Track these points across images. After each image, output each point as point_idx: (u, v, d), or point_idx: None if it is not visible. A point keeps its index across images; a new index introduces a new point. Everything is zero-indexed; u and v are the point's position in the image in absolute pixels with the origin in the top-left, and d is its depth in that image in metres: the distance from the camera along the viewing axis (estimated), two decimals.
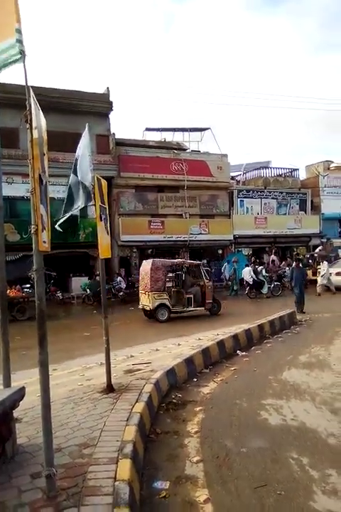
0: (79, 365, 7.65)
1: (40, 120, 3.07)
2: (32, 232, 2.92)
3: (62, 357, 8.18)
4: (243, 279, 19.06)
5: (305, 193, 28.73)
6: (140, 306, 14.03)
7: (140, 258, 22.87)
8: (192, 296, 13.67)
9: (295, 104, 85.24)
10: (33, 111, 2.90)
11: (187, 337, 9.75)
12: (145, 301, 13.41)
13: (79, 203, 5.13)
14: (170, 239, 23.01)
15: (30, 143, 2.91)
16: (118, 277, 19.75)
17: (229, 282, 21.14)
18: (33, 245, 2.98)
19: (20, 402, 4.03)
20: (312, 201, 28.94)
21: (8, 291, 13.79)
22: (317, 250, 25.24)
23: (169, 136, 27.76)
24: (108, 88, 22.25)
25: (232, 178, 28.40)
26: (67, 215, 5.26)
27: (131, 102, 70.74)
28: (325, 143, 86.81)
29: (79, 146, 5.24)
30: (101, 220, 5.54)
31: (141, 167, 22.52)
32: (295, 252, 26.47)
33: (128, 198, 22.68)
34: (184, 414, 5.40)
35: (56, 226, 5.18)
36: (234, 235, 25.11)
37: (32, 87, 2.92)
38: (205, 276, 14.14)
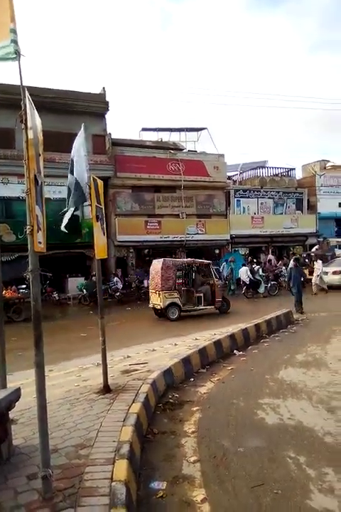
0: (75, 365, 7.64)
1: (35, 120, 3.06)
2: (27, 232, 2.91)
3: (59, 358, 8.17)
4: (240, 278, 19.10)
5: (302, 193, 28.80)
6: (150, 305, 14.18)
7: (136, 258, 22.90)
8: (202, 294, 13.84)
9: (291, 103, 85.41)
10: (28, 111, 2.89)
11: (184, 337, 9.75)
12: (156, 300, 13.56)
13: (73, 203, 5.06)
14: (167, 239, 22.99)
15: (26, 143, 2.90)
16: (115, 278, 19.72)
17: (227, 282, 21.16)
18: (29, 246, 2.97)
19: (17, 403, 4.03)
20: (308, 201, 29.02)
21: (4, 292, 13.77)
22: (313, 249, 25.32)
23: (165, 136, 27.79)
24: (104, 88, 22.22)
25: (229, 177, 28.42)
26: (69, 214, 5.19)
27: (127, 102, 70.75)
28: (321, 142, 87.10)
29: (74, 145, 5.22)
30: (97, 221, 5.53)
31: (137, 167, 22.49)
32: (291, 252, 26.54)
33: (124, 198, 22.64)
34: (181, 414, 5.40)
35: (62, 227, 5.18)
36: (230, 235, 25.12)
37: (27, 87, 2.91)
38: (215, 275, 14.38)
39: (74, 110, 20.17)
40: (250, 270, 18.54)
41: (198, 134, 27.85)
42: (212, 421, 5.10)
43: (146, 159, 23.05)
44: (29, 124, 2.90)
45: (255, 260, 22.12)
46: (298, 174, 31.40)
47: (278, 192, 27.89)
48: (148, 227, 22.59)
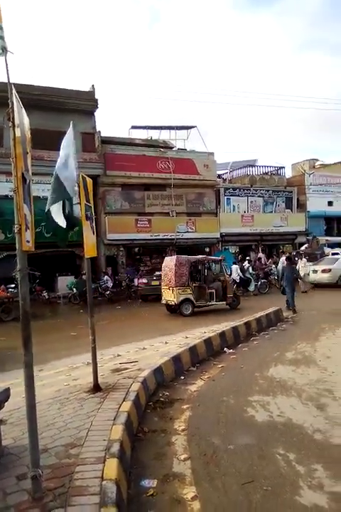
0: (65, 365, 7.59)
1: (22, 118, 3.03)
2: (15, 231, 2.88)
3: (49, 357, 8.11)
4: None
5: (291, 191, 28.99)
6: (163, 301, 14.36)
7: (127, 257, 22.85)
8: (214, 290, 14.03)
9: (281, 102, 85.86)
10: (15, 109, 2.85)
11: (174, 335, 9.75)
12: (169, 296, 13.77)
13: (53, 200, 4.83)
14: (157, 237, 22.99)
15: (13, 141, 2.87)
16: (105, 276, 19.67)
17: None
18: (17, 245, 2.94)
19: (6, 403, 3.99)
20: (298, 199, 29.22)
21: None
22: (303, 248, 25.49)
23: (155, 134, 27.72)
24: (93, 86, 22.09)
25: (219, 176, 28.50)
26: (57, 209, 5.06)
27: (116, 99, 70.48)
28: (311, 141, 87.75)
29: (62, 144, 5.16)
30: (86, 219, 5.50)
31: (127, 165, 22.44)
32: (281, 250, 26.70)
33: (114, 196, 22.58)
34: (171, 412, 5.41)
35: (60, 223, 5.10)
36: (220, 233, 25.22)
37: (14, 84, 2.88)
38: (226, 271, 14.69)
39: (63, 108, 20.04)
40: (240, 268, 18.62)
41: (188, 132, 27.84)
42: (202, 419, 5.11)
43: (136, 157, 23.02)
44: (16, 122, 2.87)
45: (244, 258, 22.21)
46: (288, 173, 31.65)
47: (268, 190, 28.04)
48: (138, 225, 22.57)
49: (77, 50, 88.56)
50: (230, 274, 14.94)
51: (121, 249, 22.46)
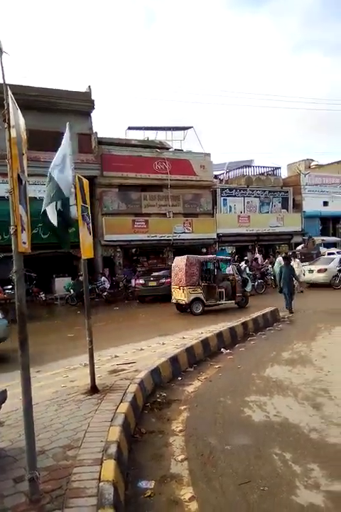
0: (62, 366, 7.58)
1: (18, 119, 3.02)
2: (11, 232, 2.88)
3: (46, 358, 8.09)
4: None
5: (287, 192, 29.06)
6: (173, 301, 14.40)
7: (124, 258, 22.82)
8: (223, 290, 14.14)
9: (277, 103, 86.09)
10: (10, 110, 2.85)
11: (172, 336, 9.75)
12: (180, 295, 13.84)
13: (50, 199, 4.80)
14: (154, 238, 22.99)
15: (9, 142, 2.86)
16: (102, 277, 19.64)
17: None
18: (13, 246, 2.94)
19: (3, 405, 3.99)
20: (293, 199, 29.30)
21: None
22: (299, 248, 25.57)
23: (152, 135, 27.72)
24: (89, 86, 22.05)
25: (215, 176, 28.54)
26: (52, 209, 5.02)
27: (113, 100, 70.44)
28: (306, 142, 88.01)
29: (62, 145, 5.15)
30: (83, 220, 5.50)
31: (124, 166, 22.41)
32: (277, 250, 26.76)
33: (111, 197, 22.55)
34: (168, 413, 5.41)
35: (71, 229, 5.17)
36: (217, 234, 25.22)
37: (10, 85, 2.87)
38: (235, 271, 14.84)
39: (60, 109, 19.97)
40: (237, 269, 18.60)
41: (184, 133, 27.86)
42: (199, 419, 5.12)
43: (133, 158, 23.00)
44: (12, 123, 2.87)
45: (241, 259, 22.23)
46: (284, 173, 31.73)
47: (264, 191, 28.10)
48: (135, 226, 22.55)
49: (74, 51, 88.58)
50: (238, 273, 15.05)
51: (118, 250, 22.43)
